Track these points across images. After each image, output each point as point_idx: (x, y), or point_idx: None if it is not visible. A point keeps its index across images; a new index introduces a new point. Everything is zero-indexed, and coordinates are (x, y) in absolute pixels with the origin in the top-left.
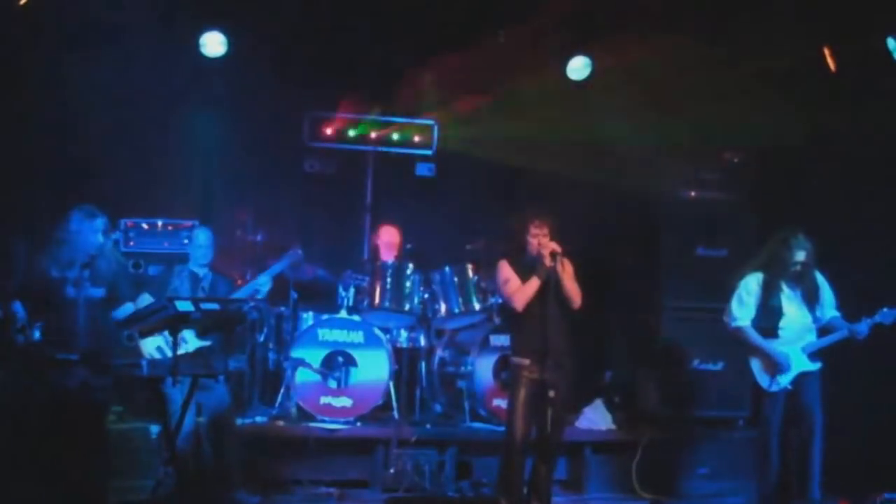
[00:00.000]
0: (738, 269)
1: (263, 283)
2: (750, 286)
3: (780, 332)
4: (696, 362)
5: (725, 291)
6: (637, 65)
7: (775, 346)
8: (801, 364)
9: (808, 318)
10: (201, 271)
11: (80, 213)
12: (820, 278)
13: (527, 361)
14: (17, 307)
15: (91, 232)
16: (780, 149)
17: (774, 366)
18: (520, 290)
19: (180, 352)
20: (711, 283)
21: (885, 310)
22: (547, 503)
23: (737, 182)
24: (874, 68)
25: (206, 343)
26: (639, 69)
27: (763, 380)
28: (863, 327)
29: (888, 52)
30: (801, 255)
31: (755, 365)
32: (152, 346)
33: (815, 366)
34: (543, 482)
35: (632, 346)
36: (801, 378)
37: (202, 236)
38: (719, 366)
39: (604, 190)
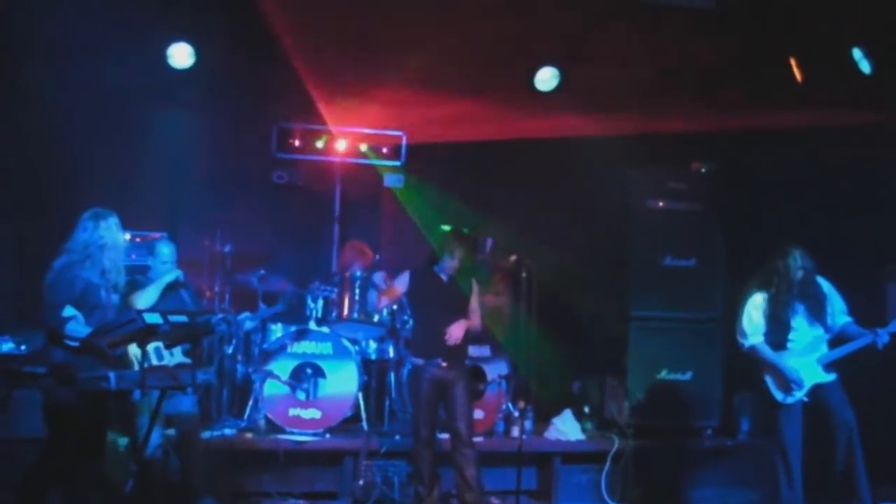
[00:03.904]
0: (707, 278)
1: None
2: (756, 303)
3: (790, 346)
4: (664, 372)
5: (693, 301)
6: (605, 76)
7: (786, 362)
8: (814, 376)
9: (819, 330)
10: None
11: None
12: (827, 287)
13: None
14: None
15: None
16: (748, 159)
17: (787, 382)
18: None
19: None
20: (679, 292)
21: None
22: (479, 493)
23: (705, 192)
24: (840, 78)
25: (189, 361)
26: (607, 81)
27: (777, 393)
28: (883, 335)
29: (854, 63)
30: (799, 273)
31: (769, 380)
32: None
33: (829, 377)
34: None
35: (601, 356)
36: (818, 389)
37: (166, 250)
38: (687, 375)
39: (572, 199)
